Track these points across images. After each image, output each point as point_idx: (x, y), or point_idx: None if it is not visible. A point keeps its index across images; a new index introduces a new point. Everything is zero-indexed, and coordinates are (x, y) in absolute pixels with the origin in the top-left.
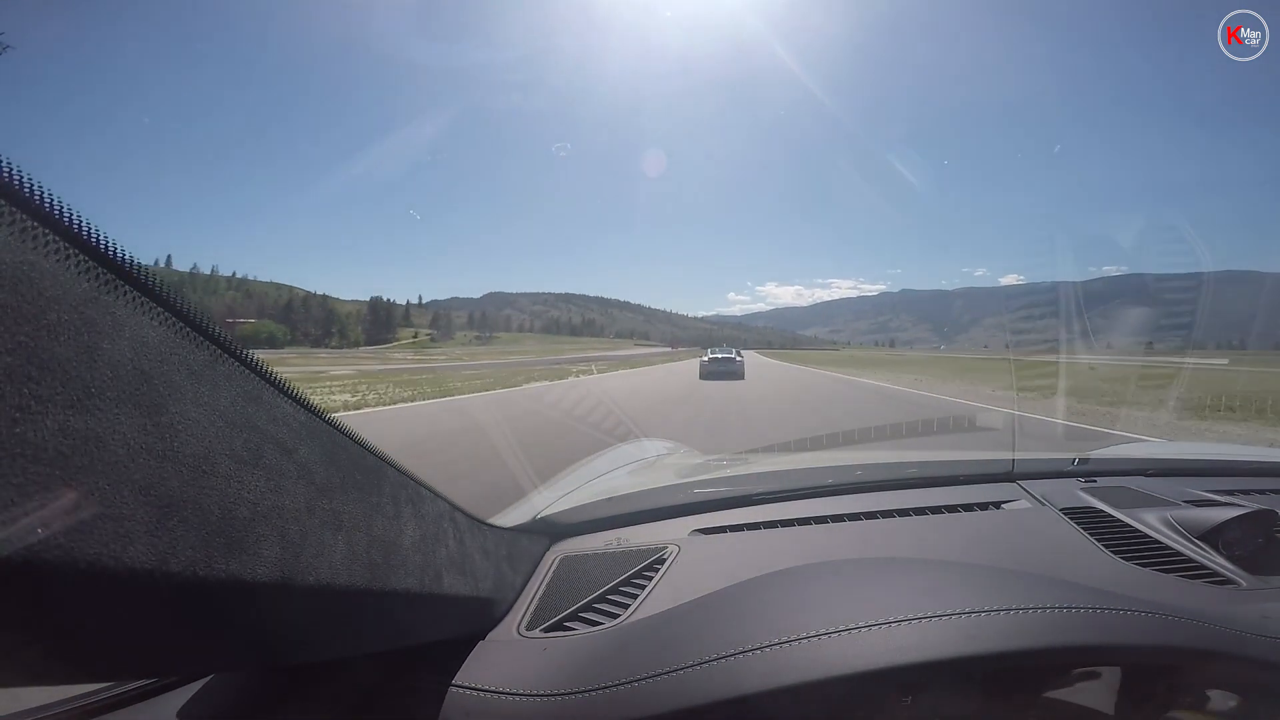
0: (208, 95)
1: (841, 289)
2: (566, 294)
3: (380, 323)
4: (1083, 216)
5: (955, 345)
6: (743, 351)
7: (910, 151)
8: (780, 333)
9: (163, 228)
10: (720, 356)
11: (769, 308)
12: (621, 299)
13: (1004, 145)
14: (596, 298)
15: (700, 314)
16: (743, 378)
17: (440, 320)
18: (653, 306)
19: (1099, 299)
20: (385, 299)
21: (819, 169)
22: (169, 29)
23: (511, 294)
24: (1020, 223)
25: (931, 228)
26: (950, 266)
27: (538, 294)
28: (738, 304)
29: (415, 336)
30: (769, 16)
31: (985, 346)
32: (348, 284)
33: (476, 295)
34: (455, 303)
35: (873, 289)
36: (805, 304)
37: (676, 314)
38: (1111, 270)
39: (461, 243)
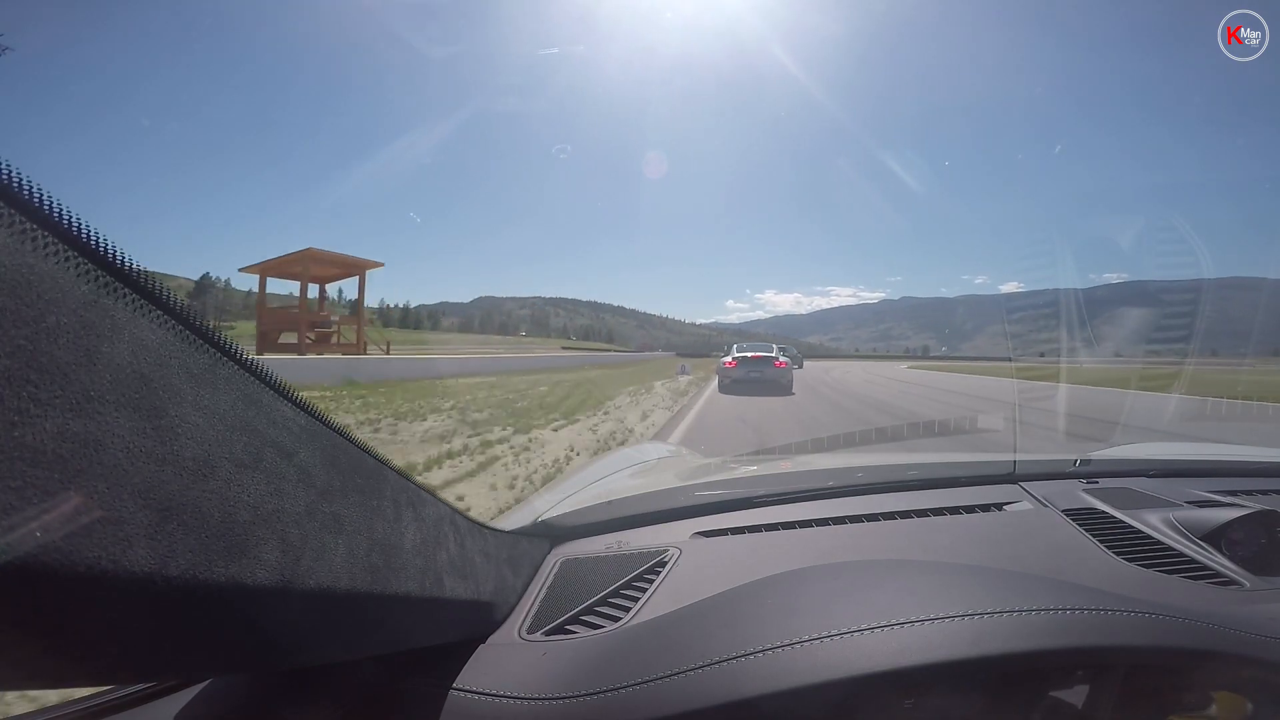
0: (207, 99)
1: (841, 296)
2: (557, 298)
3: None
4: (1082, 221)
5: (959, 352)
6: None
7: (908, 157)
8: (781, 339)
9: (159, 230)
10: (752, 356)
11: (768, 315)
12: (616, 304)
13: (1002, 150)
14: (589, 302)
15: (699, 321)
16: (792, 391)
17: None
18: (649, 312)
19: (1101, 305)
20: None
21: (817, 175)
22: (174, 32)
23: (501, 298)
24: (1019, 228)
25: (931, 234)
26: (950, 274)
27: (525, 298)
28: (736, 311)
29: None
30: (767, 17)
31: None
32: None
33: (466, 300)
34: (445, 307)
35: (873, 296)
36: (805, 311)
37: (673, 319)
38: (1112, 277)
39: (454, 249)
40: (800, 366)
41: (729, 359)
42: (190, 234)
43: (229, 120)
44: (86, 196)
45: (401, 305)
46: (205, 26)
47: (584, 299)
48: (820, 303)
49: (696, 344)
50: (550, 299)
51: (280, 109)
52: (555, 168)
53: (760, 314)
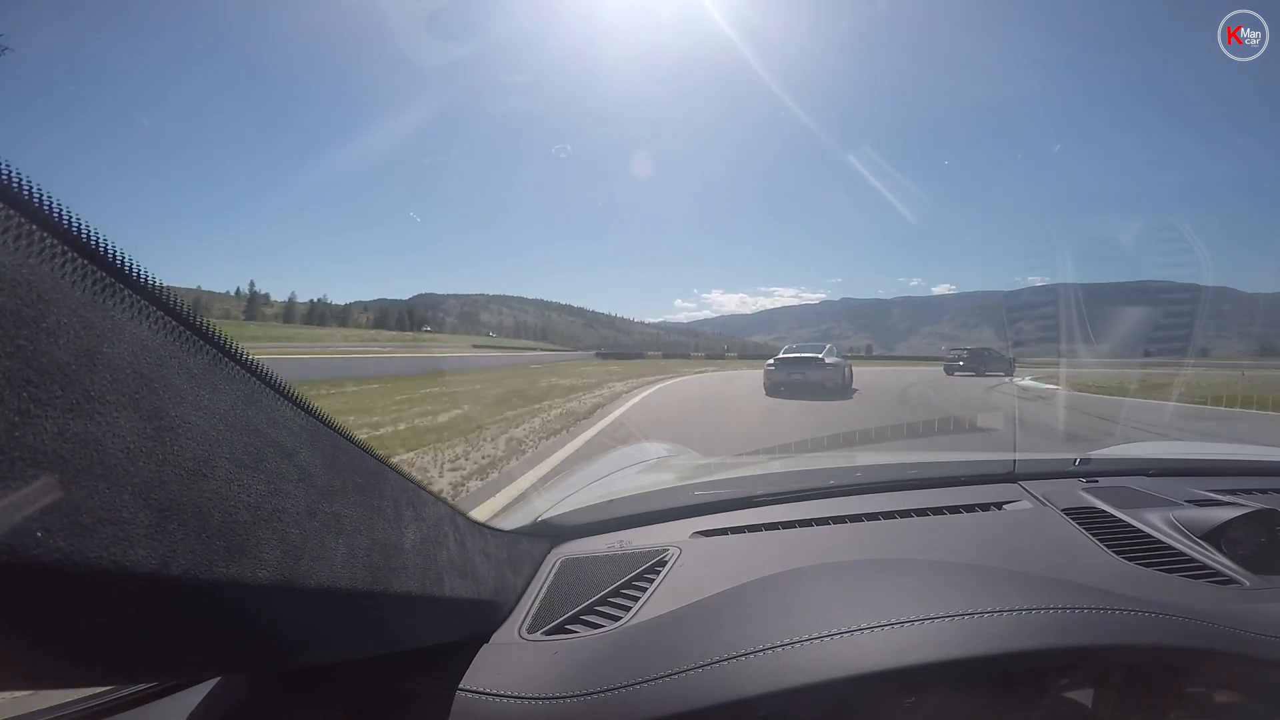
0: (187, 94)
1: (784, 297)
2: (502, 295)
3: None
4: (1008, 226)
5: (895, 352)
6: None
7: (852, 163)
8: (729, 339)
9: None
10: (794, 358)
11: (715, 315)
12: (564, 303)
13: (937, 157)
14: (536, 300)
15: (648, 320)
16: (849, 393)
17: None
18: (598, 311)
19: (1025, 309)
20: None
21: (765, 179)
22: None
23: (441, 295)
24: (952, 233)
25: (869, 238)
26: (886, 276)
27: (468, 295)
28: (684, 311)
29: None
30: (735, 20)
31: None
32: (291, 285)
33: (405, 296)
34: (382, 303)
35: (814, 297)
36: (750, 311)
37: (622, 319)
38: (1037, 280)
39: (398, 247)
40: (1012, 375)
41: (772, 361)
42: (165, 235)
43: (206, 120)
44: (77, 194)
45: (315, 300)
46: (196, 28)
47: (530, 297)
48: (765, 303)
49: (642, 343)
50: (495, 296)
51: (254, 109)
52: (511, 170)
53: (708, 313)
